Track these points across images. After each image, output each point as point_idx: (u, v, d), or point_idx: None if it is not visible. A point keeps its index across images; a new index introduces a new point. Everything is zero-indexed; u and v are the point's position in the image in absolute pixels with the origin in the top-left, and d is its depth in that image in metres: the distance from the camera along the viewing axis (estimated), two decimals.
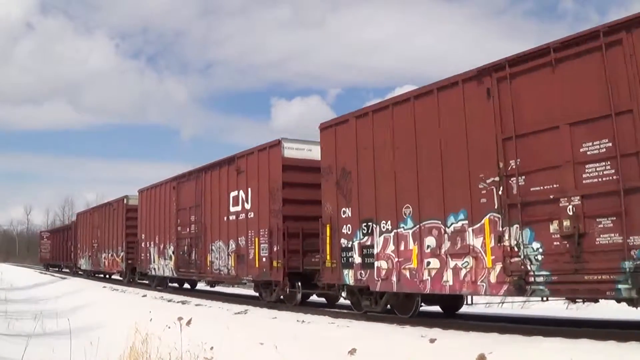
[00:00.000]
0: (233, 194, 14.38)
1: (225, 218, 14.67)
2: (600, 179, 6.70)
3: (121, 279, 25.55)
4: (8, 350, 8.30)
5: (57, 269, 43.78)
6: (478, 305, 10.93)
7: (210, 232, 15.49)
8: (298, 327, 9.78)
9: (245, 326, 10.23)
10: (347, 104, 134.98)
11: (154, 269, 19.91)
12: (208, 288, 20.43)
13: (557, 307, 11.69)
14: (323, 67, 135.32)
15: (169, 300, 16.03)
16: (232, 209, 14.38)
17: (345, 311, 11.36)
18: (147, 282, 22.19)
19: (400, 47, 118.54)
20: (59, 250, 41.56)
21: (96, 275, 30.21)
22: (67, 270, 37.89)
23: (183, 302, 15.08)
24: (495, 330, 7.94)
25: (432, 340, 7.45)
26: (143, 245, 20.95)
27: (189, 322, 6.58)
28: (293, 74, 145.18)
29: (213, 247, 15.33)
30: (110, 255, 25.50)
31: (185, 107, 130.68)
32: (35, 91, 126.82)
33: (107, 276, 29.40)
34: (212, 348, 7.39)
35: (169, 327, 7.06)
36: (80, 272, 33.02)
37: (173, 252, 17.92)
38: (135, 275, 22.98)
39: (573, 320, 8.83)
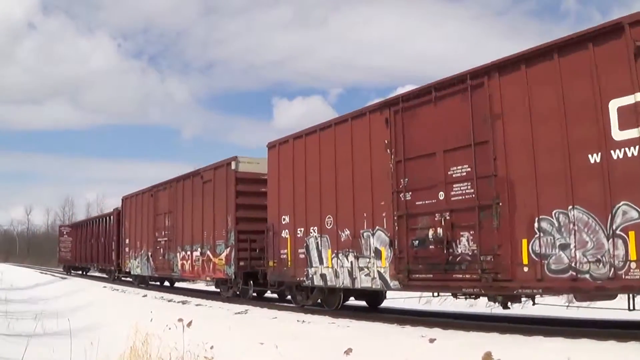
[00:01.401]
0: (625, 100, 6.67)
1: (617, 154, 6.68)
2: None
3: (216, 289, 16.73)
4: (8, 350, 8.31)
5: (81, 273, 35.53)
6: (478, 305, 10.95)
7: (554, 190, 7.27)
8: (298, 327, 9.79)
9: (246, 326, 10.23)
10: (349, 104, 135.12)
11: (324, 276, 11.16)
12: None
13: (557, 307, 11.67)
14: (324, 67, 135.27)
15: (170, 300, 16.03)
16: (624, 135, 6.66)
17: (345, 311, 11.36)
18: (267, 293, 15.07)
19: (401, 47, 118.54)
20: (85, 248, 32.34)
21: (151, 283, 22.24)
22: (105, 276, 28.96)
23: (183, 302, 15.08)
24: (496, 330, 7.95)
25: (431, 340, 7.45)
26: (285, 234, 12.33)
27: (189, 324, 6.58)
28: (294, 73, 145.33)
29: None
30: (196, 253, 16.39)
31: (186, 106, 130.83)
32: (36, 91, 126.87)
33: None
34: (212, 347, 7.40)
35: (170, 328, 7.07)
36: (128, 279, 24.15)
37: (389, 244, 9.60)
38: (249, 285, 14.53)
39: (573, 320, 8.82)
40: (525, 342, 6.88)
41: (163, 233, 18.90)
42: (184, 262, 17.24)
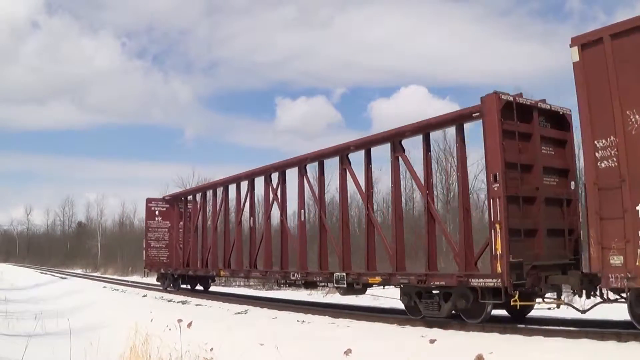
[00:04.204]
0: None
1: None
2: None
3: None
4: (8, 350, 8.29)
5: (191, 288, 19.05)
6: None
7: None
8: (298, 327, 9.79)
9: (246, 326, 10.23)
10: (352, 104, 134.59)
11: None
12: None
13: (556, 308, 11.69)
14: (328, 67, 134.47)
15: (169, 301, 16.03)
16: None
17: (345, 311, 11.37)
18: None
19: (404, 46, 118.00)
20: (223, 240, 16.80)
21: None
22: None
23: (183, 302, 15.08)
24: (496, 331, 7.96)
25: (432, 341, 7.45)
26: None
27: (189, 325, 6.56)
28: (298, 73, 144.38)
29: None
30: None
31: (189, 106, 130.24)
32: (39, 90, 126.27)
33: None
34: (212, 349, 7.39)
35: (170, 329, 7.07)
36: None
37: None
38: None
39: (573, 320, 8.82)
40: (525, 342, 6.89)
41: None
42: None
